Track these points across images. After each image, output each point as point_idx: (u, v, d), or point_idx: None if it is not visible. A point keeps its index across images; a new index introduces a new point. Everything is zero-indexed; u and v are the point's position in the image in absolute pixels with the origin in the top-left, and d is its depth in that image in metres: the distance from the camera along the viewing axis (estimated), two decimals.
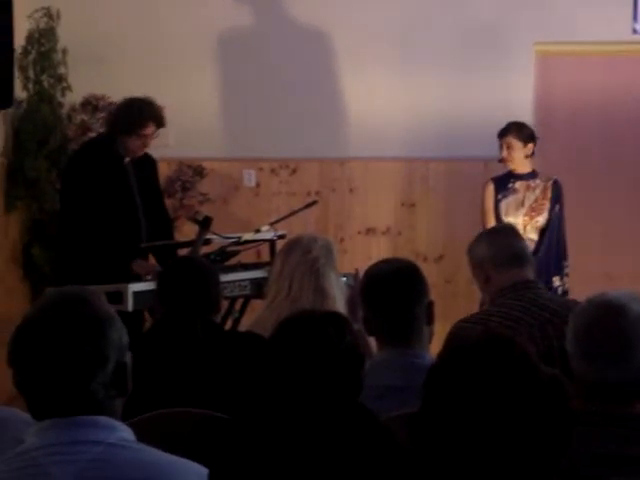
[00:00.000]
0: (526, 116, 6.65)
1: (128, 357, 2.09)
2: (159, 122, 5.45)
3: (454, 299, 6.84)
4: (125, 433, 2.05)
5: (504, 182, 6.12)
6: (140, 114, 5.40)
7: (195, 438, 2.53)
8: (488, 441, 1.79)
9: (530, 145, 6.07)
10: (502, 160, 6.08)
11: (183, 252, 5.52)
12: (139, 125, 5.39)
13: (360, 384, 2.54)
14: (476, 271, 3.75)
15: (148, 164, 5.64)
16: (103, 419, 2.03)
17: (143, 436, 2.11)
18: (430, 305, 3.16)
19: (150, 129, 5.42)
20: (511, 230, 3.88)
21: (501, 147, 6.06)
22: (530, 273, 3.73)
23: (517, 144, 6.04)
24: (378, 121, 7.17)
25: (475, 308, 4.35)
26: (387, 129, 7.17)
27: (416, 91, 7.15)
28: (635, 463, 2.26)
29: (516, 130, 6.06)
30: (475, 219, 6.14)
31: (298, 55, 7.29)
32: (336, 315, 2.65)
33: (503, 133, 6.06)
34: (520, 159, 6.07)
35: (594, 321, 2.41)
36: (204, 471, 2.09)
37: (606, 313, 2.41)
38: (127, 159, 5.51)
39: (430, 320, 3.16)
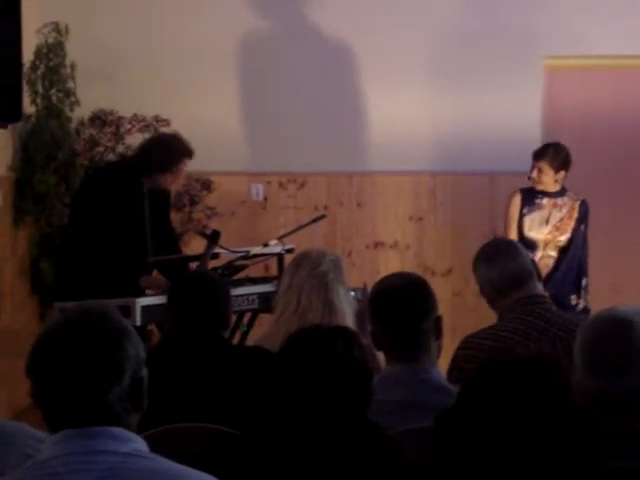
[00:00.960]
0: (534, 131, 6.66)
1: (145, 372, 2.11)
2: (190, 155, 5.58)
3: (462, 313, 6.84)
4: (139, 444, 2.07)
5: (531, 196, 6.07)
6: (175, 155, 5.52)
7: (205, 453, 2.54)
8: (513, 461, 1.79)
9: (562, 172, 6.03)
10: (531, 179, 6.04)
11: (192, 267, 5.53)
12: (175, 164, 5.52)
13: (369, 398, 2.54)
14: (481, 289, 3.77)
15: (164, 193, 5.68)
16: (118, 430, 2.05)
17: (153, 450, 2.12)
18: (438, 320, 3.16)
19: (184, 165, 5.56)
20: (506, 250, 3.79)
21: (533, 167, 6.02)
22: (536, 287, 3.73)
23: (549, 171, 6.01)
24: (386, 135, 7.18)
25: (484, 322, 4.34)
26: (395, 144, 7.17)
27: (423, 106, 7.16)
28: None
29: (551, 156, 6.01)
30: (483, 232, 6.16)
31: (305, 70, 7.30)
32: (344, 329, 2.65)
33: (538, 156, 6.02)
34: (549, 183, 6.05)
35: (602, 335, 2.42)
36: None
37: (614, 327, 2.42)
38: (146, 187, 5.54)
39: (438, 335, 3.15)
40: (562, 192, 6.07)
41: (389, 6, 7.18)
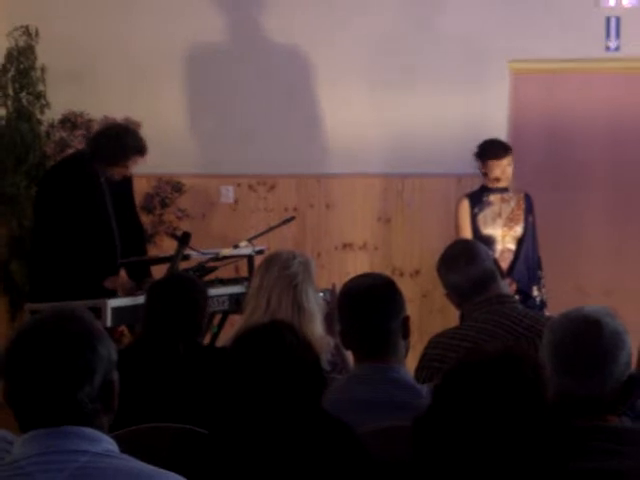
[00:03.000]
0: (500, 133, 6.70)
1: (116, 375, 2.13)
2: (142, 152, 5.47)
3: (430, 314, 6.89)
4: (110, 445, 2.09)
5: (478, 196, 6.18)
6: (122, 148, 5.40)
7: (173, 453, 2.56)
8: (487, 454, 1.82)
9: None
10: (497, 180, 6.08)
11: (162, 268, 5.54)
12: (122, 158, 5.41)
13: (324, 383, 2.58)
14: (446, 294, 3.82)
15: (123, 180, 5.63)
16: (89, 430, 2.06)
17: (123, 450, 2.13)
18: (406, 320, 3.18)
19: (132, 160, 5.45)
20: (467, 254, 3.79)
21: (493, 167, 6.06)
22: (499, 286, 3.76)
23: (512, 162, 6.13)
24: (354, 138, 7.22)
25: (452, 322, 4.40)
26: (363, 146, 7.21)
27: (391, 108, 7.20)
28: (616, 476, 2.27)
29: (511, 147, 6.15)
30: (451, 233, 6.19)
31: (275, 72, 7.33)
32: (284, 322, 2.72)
33: (505, 153, 6.08)
34: (510, 176, 6.15)
35: (571, 335, 2.43)
36: None
37: (583, 327, 2.43)
38: (103, 177, 5.52)
39: (406, 334, 3.17)
40: (505, 189, 6.16)
41: (349, 8, 7.22)
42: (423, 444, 1.93)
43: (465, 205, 6.17)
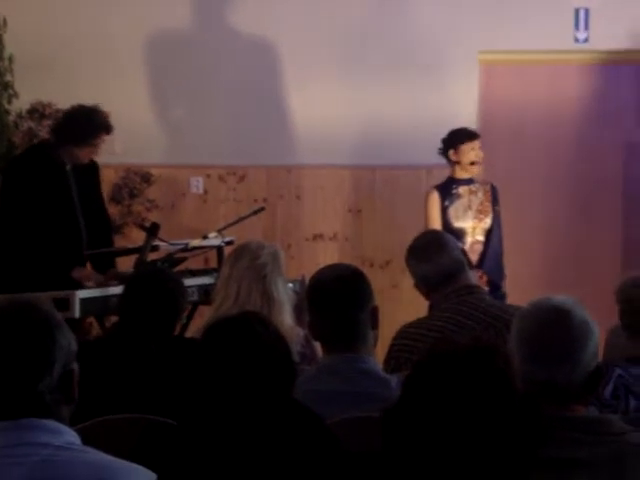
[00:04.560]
0: (470, 124, 6.69)
1: (75, 365, 2.11)
2: (108, 130, 5.45)
3: (400, 304, 6.89)
4: (72, 437, 2.07)
5: (447, 188, 6.16)
6: (90, 125, 5.37)
7: (141, 444, 2.55)
8: (457, 445, 1.82)
9: None
10: (473, 164, 6.08)
11: (130, 259, 5.52)
12: (90, 135, 5.38)
13: (294, 373, 2.59)
14: (415, 284, 3.82)
15: (90, 169, 5.59)
16: (50, 423, 2.05)
17: (90, 442, 2.13)
18: (375, 310, 3.18)
19: (100, 138, 5.42)
20: (435, 244, 3.81)
21: (470, 150, 6.05)
22: (468, 277, 3.78)
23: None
24: (325, 129, 7.21)
25: (420, 313, 4.40)
26: (333, 137, 7.21)
27: (362, 99, 7.20)
28: (584, 465, 2.29)
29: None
30: (421, 224, 6.20)
31: (245, 63, 7.31)
32: (254, 313, 2.72)
33: (475, 135, 6.10)
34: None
35: (541, 324, 2.44)
36: (152, 475, 2.11)
37: (554, 316, 2.44)
38: (68, 166, 5.48)
39: (375, 325, 3.18)
40: (471, 180, 6.16)
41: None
42: (392, 435, 1.93)
43: (435, 197, 6.16)
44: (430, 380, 1.89)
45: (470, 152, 6.08)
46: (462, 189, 6.15)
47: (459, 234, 5.96)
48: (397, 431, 1.91)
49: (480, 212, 6.15)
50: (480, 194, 6.17)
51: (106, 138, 5.48)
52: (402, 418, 1.90)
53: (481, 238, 6.13)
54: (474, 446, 1.85)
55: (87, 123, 5.38)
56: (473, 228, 6.12)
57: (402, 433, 1.90)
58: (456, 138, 6.08)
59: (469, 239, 6.10)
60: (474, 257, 5.99)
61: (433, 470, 1.87)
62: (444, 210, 6.13)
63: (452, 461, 1.86)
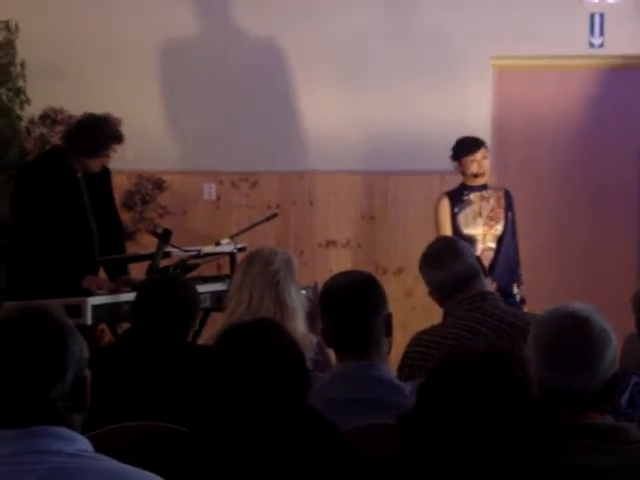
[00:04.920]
0: (483, 130, 6.70)
1: (88, 372, 2.10)
2: (120, 140, 5.43)
3: (413, 311, 6.88)
4: (84, 445, 2.05)
5: (458, 195, 6.14)
6: (102, 136, 5.35)
7: (154, 452, 2.54)
8: (472, 453, 1.81)
9: None
10: (475, 176, 6.05)
11: (142, 265, 5.51)
12: (102, 147, 5.36)
13: (308, 380, 2.57)
14: (429, 292, 3.80)
15: (102, 175, 5.57)
16: (62, 430, 2.03)
17: (102, 449, 2.11)
18: (388, 317, 3.16)
19: (112, 148, 5.41)
20: (450, 251, 3.78)
21: (469, 163, 6.03)
22: (483, 284, 3.76)
23: (487, 155, 6.10)
24: (337, 134, 7.20)
25: (435, 320, 4.38)
26: (346, 142, 7.20)
27: (375, 106, 7.19)
28: (600, 473, 2.28)
29: (484, 141, 6.12)
30: (433, 231, 6.18)
31: (258, 68, 7.30)
32: (268, 320, 2.71)
33: (478, 146, 6.05)
34: (489, 170, 6.12)
35: (560, 331, 2.43)
36: None
37: (573, 324, 2.43)
38: (80, 173, 5.47)
39: (389, 332, 3.16)
40: (484, 186, 6.13)
41: (329, 4, 7.21)
42: (408, 443, 1.91)
43: (445, 203, 6.14)
44: (445, 388, 1.88)
45: (471, 164, 6.05)
46: (473, 195, 6.12)
47: (469, 241, 5.92)
48: (412, 439, 1.89)
49: (491, 219, 6.11)
50: (492, 200, 6.14)
51: (118, 147, 5.47)
52: (417, 426, 1.88)
53: (492, 245, 6.10)
54: (489, 453, 1.84)
55: (98, 134, 5.36)
56: (484, 235, 6.08)
57: (417, 441, 1.88)
58: (458, 150, 6.09)
59: (480, 246, 6.06)
60: (485, 264, 5.96)
61: (448, 478, 1.85)
62: (454, 217, 6.11)
63: (467, 469, 1.84)
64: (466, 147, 6.06)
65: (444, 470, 1.85)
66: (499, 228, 6.12)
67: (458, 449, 1.84)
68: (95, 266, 5.52)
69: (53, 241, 5.30)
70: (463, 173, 6.11)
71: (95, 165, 5.44)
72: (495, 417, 1.84)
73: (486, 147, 6.12)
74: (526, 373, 1.95)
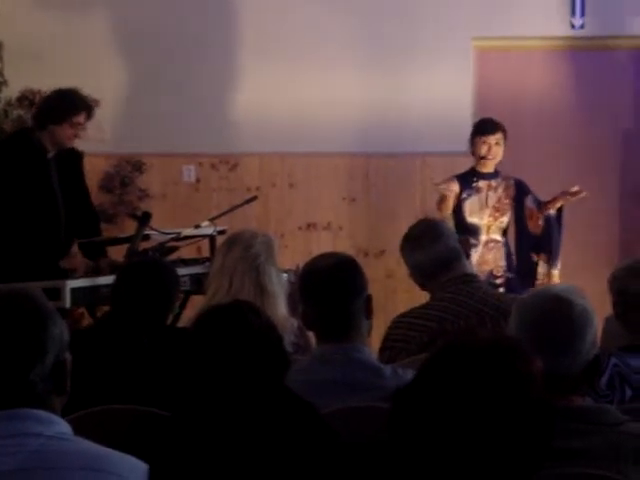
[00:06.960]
0: (465, 112, 6.70)
1: (68, 355, 2.09)
2: (90, 111, 5.43)
3: (395, 294, 6.88)
4: (64, 428, 2.06)
5: (468, 180, 6.00)
6: (72, 102, 5.36)
7: (133, 435, 2.53)
8: (468, 442, 1.79)
9: None
10: (482, 158, 5.94)
11: (121, 248, 5.48)
12: (71, 113, 5.34)
13: (287, 361, 2.57)
14: (410, 273, 3.79)
15: (73, 158, 5.55)
16: (42, 413, 2.03)
17: (81, 432, 2.11)
18: (369, 299, 3.14)
19: (82, 117, 5.37)
20: (431, 232, 3.77)
21: (480, 144, 5.92)
22: (464, 265, 3.75)
23: (503, 142, 5.96)
24: (318, 116, 7.18)
25: (415, 303, 4.37)
26: (327, 124, 7.17)
27: (356, 87, 7.17)
28: (581, 456, 2.28)
29: (504, 128, 5.95)
30: (415, 213, 6.18)
31: (237, 50, 7.27)
32: (245, 302, 2.71)
33: (494, 129, 5.92)
34: (500, 156, 5.99)
35: (542, 313, 2.43)
36: (143, 465, 2.10)
37: (555, 306, 2.43)
38: (50, 154, 5.42)
39: (369, 314, 3.14)
40: (496, 174, 6.04)
41: None
42: (402, 429, 1.87)
43: (455, 185, 5.99)
44: (443, 371, 1.84)
45: (482, 146, 5.93)
46: (482, 183, 6.00)
47: (473, 230, 5.88)
48: (405, 418, 1.86)
49: (496, 210, 6.00)
50: (500, 190, 6.02)
51: (92, 125, 5.43)
52: (412, 406, 1.84)
53: (497, 237, 6.00)
54: (486, 443, 1.81)
55: (63, 97, 5.38)
56: (488, 226, 5.99)
57: (412, 421, 1.85)
58: (474, 129, 6.00)
59: (484, 237, 5.97)
60: (488, 255, 5.91)
61: (440, 463, 1.83)
62: (460, 202, 6.00)
63: (461, 451, 1.82)
64: (482, 128, 5.97)
65: (436, 455, 1.82)
66: (505, 220, 6.01)
67: (451, 432, 1.81)
68: (63, 247, 5.47)
69: (21, 222, 5.26)
70: (473, 153, 6.00)
71: (65, 135, 5.37)
72: (493, 402, 1.81)
73: (504, 134, 5.96)
74: (532, 364, 1.91)
